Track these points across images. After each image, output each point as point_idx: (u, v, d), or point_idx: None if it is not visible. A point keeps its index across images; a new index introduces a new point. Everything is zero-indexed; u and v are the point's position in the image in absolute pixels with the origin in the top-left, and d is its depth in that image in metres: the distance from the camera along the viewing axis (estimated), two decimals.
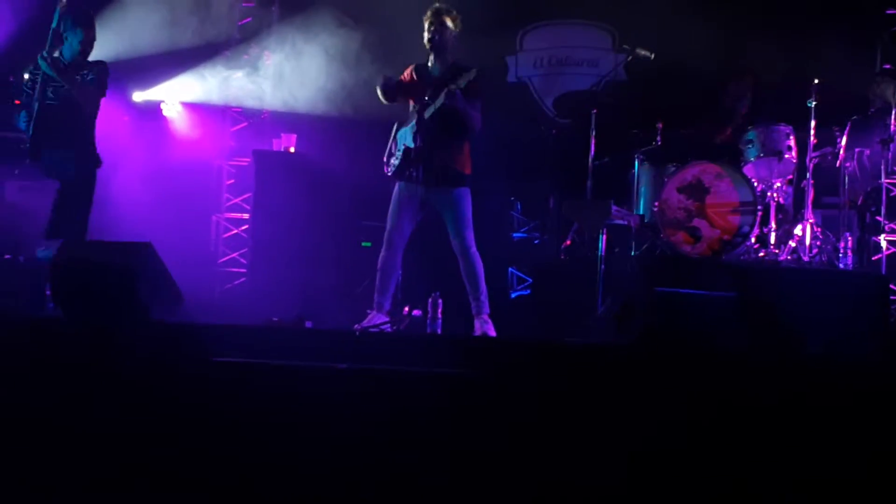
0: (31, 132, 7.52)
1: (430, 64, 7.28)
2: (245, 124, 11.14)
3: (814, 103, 8.16)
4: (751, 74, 9.02)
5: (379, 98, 7.32)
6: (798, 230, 8.20)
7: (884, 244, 8.61)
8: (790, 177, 8.53)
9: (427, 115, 7.04)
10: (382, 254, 7.25)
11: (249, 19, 11.01)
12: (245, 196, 10.97)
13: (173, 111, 10.62)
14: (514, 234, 10.34)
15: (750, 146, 8.38)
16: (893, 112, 8.30)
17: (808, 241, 8.10)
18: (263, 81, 10.68)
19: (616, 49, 10.51)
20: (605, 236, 8.12)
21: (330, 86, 9.97)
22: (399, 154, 7.18)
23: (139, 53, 9.83)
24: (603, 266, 7.87)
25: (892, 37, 9.37)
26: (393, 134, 7.35)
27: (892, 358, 6.27)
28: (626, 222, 8.49)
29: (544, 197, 9.91)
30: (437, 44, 7.17)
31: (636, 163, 8.85)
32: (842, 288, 6.77)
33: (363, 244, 9.71)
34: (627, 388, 5.01)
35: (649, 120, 8.98)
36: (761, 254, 8.25)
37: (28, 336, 5.49)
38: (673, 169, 8.47)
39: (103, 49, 8.23)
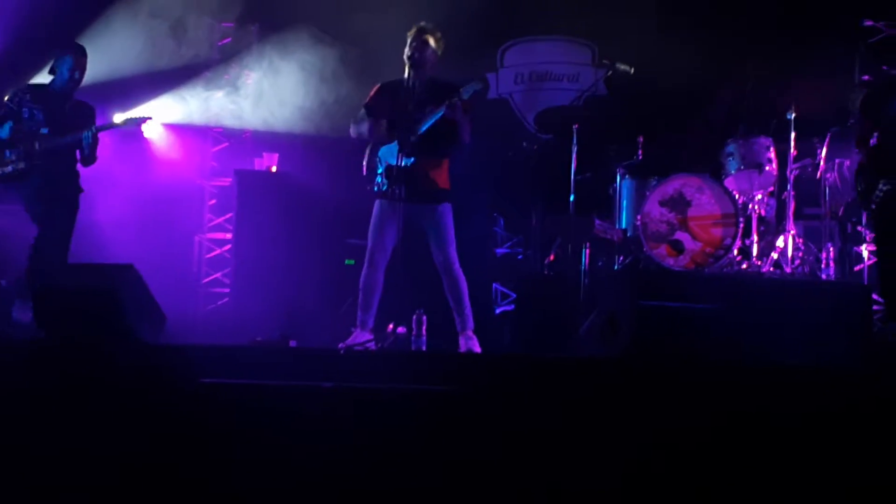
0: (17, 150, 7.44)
1: (406, 80, 7.25)
2: (226, 144, 11.14)
3: (793, 115, 8.22)
4: (731, 83, 9.06)
5: (361, 133, 7.31)
6: (780, 241, 8.25)
7: (865, 254, 8.64)
8: (771, 189, 8.56)
9: (420, 130, 7.00)
10: (365, 272, 7.24)
11: (229, 39, 11.02)
12: (227, 216, 10.95)
13: (154, 132, 10.60)
14: (498, 250, 10.34)
15: (730, 159, 8.42)
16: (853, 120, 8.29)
17: (790, 253, 8.15)
18: (244, 101, 10.66)
19: (596, 64, 10.55)
20: (588, 251, 8.15)
21: (309, 104, 9.97)
22: (381, 172, 7.17)
23: (119, 75, 9.82)
24: (587, 280, 7.88)
25: (870, 48, 9.42)
26: (368, 152, 7.32)
27: (876, 367, 6.29)
28: (609, 236, 8.51)
29: (527, 212, 9.91)
30: (417, 61, 7.16)
31: (618, 177, 8.89)
32: (825, 298, 6.81)
33: (346, 262, 9.69)
34: (614, 402, 5.01)
35: (630, 134, 9.02)
36: (744, 266, 8.28)
37: (10, 358, 5.46)
38: (654, 182, 8.50)
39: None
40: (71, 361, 5.33)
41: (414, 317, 7.76)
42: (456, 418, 4.95)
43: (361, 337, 7.12)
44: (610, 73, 8.70)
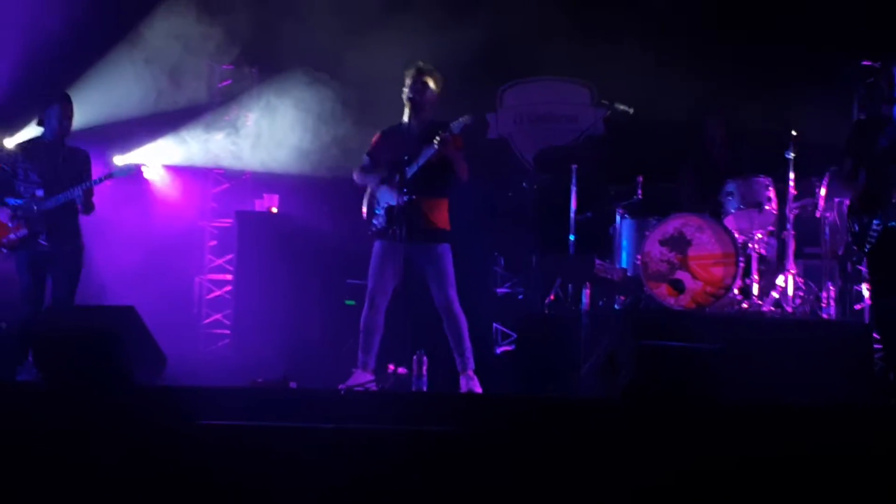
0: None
1: (406, 121, 7.28)
2: (227, 185, 11.17)
3: (792, 155, 8.24)
4: (723, 115, 9.08)
5: (367, 183, 7.32)
6: (780, 281, 8.24)
7: (866, 293, 8.61)
8: (771, 228, 8.56)
9: (413, 170, 7.02)
10: (365, 313, 7.23)
11: (229, 81, 11.07)
12: (228, 257, 10.96)
13: (155, 174, 10.62)
14: (498, 290, 10.34)
15: (730, 198, 8.43)
16: None
17: (790, 292, 8.14)
18: (244, 142, 10.69)
19: (594, 104, 10.60)
20: (588, 290, 8.13)
21: (308, 145, 10.00)
22: (381, 213, 7.17)
23: (119, 118, 9.86)
24: (587, 320, 7.86)
25: (869, 88, 9.45)
26: (368, 194, 7.33)
27: (878, 406, 6.27)
28: (609, 276, 8.50)
29: (527, 252, 9.92)
30: (417, 102, 7.18)
31: (618, 216, 8.90)
32: (826, 338, 6.80)
33: (346, 303, 9.69)
34: (615, 443, 4.99)
35: (629, 173, 9.04)
36: (745, 305, 8.27)
37: (9, 401, 5.44)
38: (654, 222, 8.51)
39: (83, 114, 8.26)
40: (70, 404, 5.32)
41: (414, 357, 7.73)
42: (457, 459, 4.94)
43: (362, 378, 7.09)
44: (609, 113, 8.74)
